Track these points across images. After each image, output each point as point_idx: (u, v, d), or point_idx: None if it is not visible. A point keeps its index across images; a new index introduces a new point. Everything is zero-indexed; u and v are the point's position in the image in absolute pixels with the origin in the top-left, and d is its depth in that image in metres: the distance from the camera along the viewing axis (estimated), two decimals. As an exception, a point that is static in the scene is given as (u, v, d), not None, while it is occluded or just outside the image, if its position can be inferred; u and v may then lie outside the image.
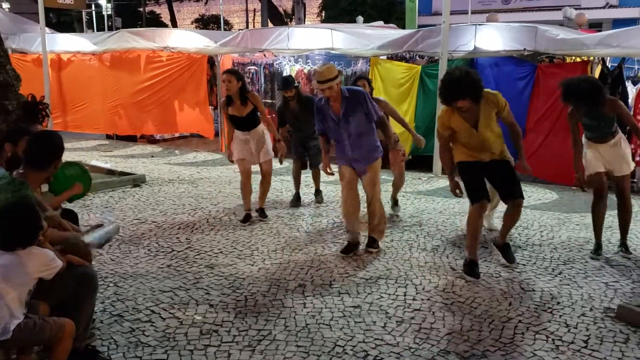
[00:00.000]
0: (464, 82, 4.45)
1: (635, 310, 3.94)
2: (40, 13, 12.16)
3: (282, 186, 8.07)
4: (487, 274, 4.83)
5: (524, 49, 8.20)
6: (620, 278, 4.75)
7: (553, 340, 3.73)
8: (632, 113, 7.56)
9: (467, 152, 4.82)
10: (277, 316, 4.07)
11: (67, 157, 4.19)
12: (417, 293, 4.47)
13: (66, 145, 3.85)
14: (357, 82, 6.20)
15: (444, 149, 4.93)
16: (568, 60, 8.68)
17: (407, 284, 4.64)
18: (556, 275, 4.81)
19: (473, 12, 15.93)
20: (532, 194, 7.77)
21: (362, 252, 5.37)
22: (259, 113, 6.35)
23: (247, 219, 6.37)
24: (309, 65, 10.94)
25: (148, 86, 11.80)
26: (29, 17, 15.24)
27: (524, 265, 5.05)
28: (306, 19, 28.15)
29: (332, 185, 7.84)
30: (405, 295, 4.42)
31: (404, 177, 6.65)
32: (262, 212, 6.56)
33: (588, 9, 17.51)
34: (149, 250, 5.51)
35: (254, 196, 6.62)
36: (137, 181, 8.40)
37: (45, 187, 4.20)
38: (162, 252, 5.45)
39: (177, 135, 12.99)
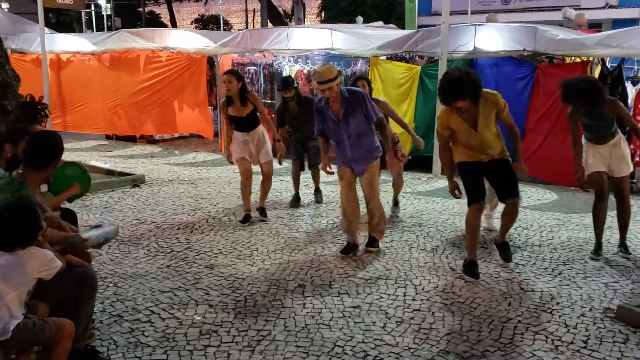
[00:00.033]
0: (463, 82, 4.45)
1: (635, 310, 3.94)
2: (40, 13, 12.16)
3: (281, 187, 8.07)
4: (487, 274, 4.83)
5: (524, 50, 8.20)
6: (620, 278, 4.76)
7: (552, 340, 3.73)
8: (631, 113, 7.57)
9: (467, 153, 4.82)
10: (277, 316, 4.07)
11: (66, 157, 4.19)
12: (416, 293, 4.47)
13: (66, 145, 3.85)
14: (357, 83, 6.20)
15: (444, 149, 4.93)
16: (568, 60, 8.69)
17: (407, 285, 4.64)
18: (556, 276, 4.81)
19: (473, 13, 15.94)
20: (532, 194, 7.77)
21: (362, 252, 5.38)
22: (258, 113, 6.35)
23: (246, 219, 6.37)
24: (308, 66, 10.94)
25: (147, 86, 11.80)
26: (28, 17, 15.24)
27: (523, 265, 5.05)
28: (306, 19, 28.16)
29: (332, 185, 7.85)
30: (404, 296, 4.42)
31: (402, 176, 6.65)
32: (262, 212, 6.56)
33: (588, 9, 17.52)
34: (148, 250, 5.50)
35: (254, 197, 6.62)
36: (137, 181, 8.39)
37: (44, 187, 4.20)
38: (162, 252, 5.45)
39: (176, 135, 12.98)
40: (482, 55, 8.67)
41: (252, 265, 5.08)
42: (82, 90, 12.68)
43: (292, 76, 9.58)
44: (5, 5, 26.38)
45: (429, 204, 7.26)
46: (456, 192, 4.89)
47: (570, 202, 7.29)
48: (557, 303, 4.28)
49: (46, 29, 12.85)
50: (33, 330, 2.94)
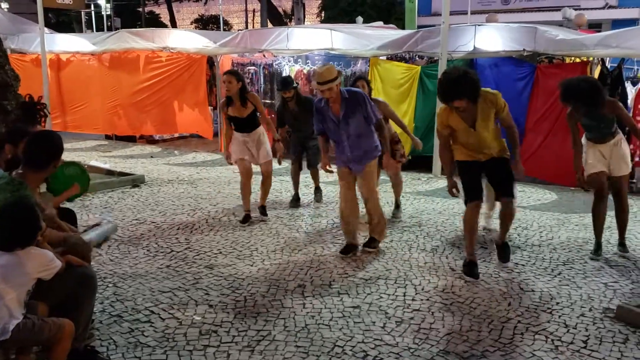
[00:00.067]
0: (460, 82, 4.45)
1: (635, 310, 3.94)
2: (39, 13, 12.16)
3: (281, 187, 8.07)
4: (487, 274, 4.83)
5: (524, 50, 8.21)
6: (620, 278, 4.76)
7: (552, 340, 3.73)
8: (631, 113, 7.58)
9: (466, 152, 4.83)
10: (277, 316, 4.07)
11: (66, 157, 4.19)
12: (416, 293, 4.47)
13: (65, 145, 3.84)
14: (356, 83, 6.20)
15: (444, 148, 4.94)
16: (567, 60, 8.69)
17: (407, 285, 4.64)
18: (555, 276, 4.81)
19: (472, 13, 15.94)
20: (532, 194, 7.77)
21: (361, 252, 5.37)
22: (258, 114, 6.35)
23: (246, 219, 6.37)
24: (308, 66, 10.94)
25: (147, 86, 11.81)
26: (28, 17, 15.24)
27: (523, 265, 5.05)
28: (306, 20, 28.16)
29: (332, 185, 7.85)
30: (404, 296, 4.42)
31: (399, 176, 6.61)
32: (263, 210, 6.57)
33: (587, 9, 17.53)
34: (148, 250, 5.50)
35: (254, 197, 6.62)
36: (136, 181, 8.39)
37: (43, 187, 4.20)
38: (161, 252, 5.45)
39: (176, 135, 12.99)
40: (481, 56, 8.68)
41: (251, 266, 5.08)
42: (81, 90, 12.68)
43: (292, 76, 9.59)
44: (4, 5, 26.36)
45: (429, 204, 7.25)
46: (454, 190, 4.90)
47: (569, 202, 7.29)
48: (557, 303, 4.28)
49: (46, 29, 12.84)
50: (32, 330, 2.94)
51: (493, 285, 4.62)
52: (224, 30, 27.13)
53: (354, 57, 10.06)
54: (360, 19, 15.85)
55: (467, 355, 3.56)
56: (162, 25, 33.95)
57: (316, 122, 5.35)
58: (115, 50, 12.00)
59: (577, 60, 8.41)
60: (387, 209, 6.69)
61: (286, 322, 3.99)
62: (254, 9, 35.42)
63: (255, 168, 6.52)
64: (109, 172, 8.89)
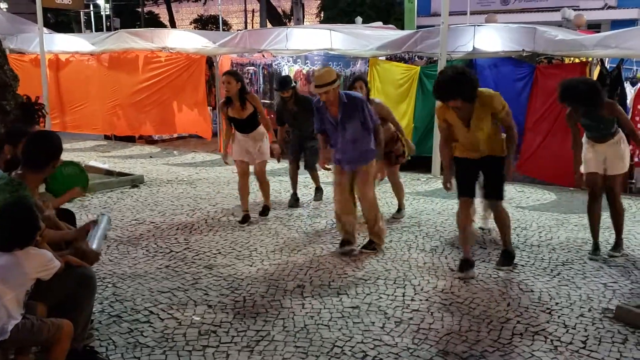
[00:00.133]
0: (455, 82, 4.47)
1: (634, 311, 3.95)
2: (38, 13, 12.14)
3: (280, 187, 8.06)
4: (486, 274, 4.84)
5: (523, 50, 8.21)
6: (619, 279, 4.76)
7: (551, 340, 3.73)
8: (630, 114, 7.58)
9: (462, 148, 4.89)
10: (276, 317, 4.07)
11: (65, 157, 4.18)
12: (415, 294, 4.47)
13: (64, 145, 3.84)
14: (354, 84, 6.17)
15: (444, 141, 4.98)
16: (567, 61, 8.69)
17: (406, 285, 4.63)
18: (555, 276, 4.81)
19: (472, 13, 15.91)
20: (531, 194, 7.77)
21: (358, 252, 5.37)
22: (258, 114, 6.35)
23: (245, 219, 6.37)
24: (307, 66, 10.94)
25: (146, 87, 11.80)
26: (27, 17, 15.23)
27: (522, 266, 5.05)
28: (305, 20, 28.15)
29: (332, 186, 7.82)
30: (404, 296, 4.42)
31: (397, 178, 6.58)
32: (264, 211, 6.58)
33: (587, 10, 17.54)
34: (147, 251, 5.50)
35: (253, 197, 6.61)
36: (136, 182, 8.39)
37: (42, 188, 4.19)
38: (161, 252, 5.44)
39: (175, 135, 12.97)
40: (481, 56, 8.68)
41: (251, 266, 5.08)
42: (80, 90, 12.67)
43: (292, 76, 9.58)
44: (3, 5, 26.36)
45: (428, 204, 7.25)
46: (448, 185, 4.95)
47: (569, 203, 7.29)
48: (556, 303, 4.29)
49: (45, 29, 12.84)
50: (31, 330, 2.94)
51: (492, 285, 4.62)
52: (223, 30, 27.16)
53: (353, 57, 10.06)
54: (359, 19, 15.86)
55: (466, 355, 3.56)
56: (161, 26, 33.94)
57: (316, 120, 5.38)
58: (115, 51, 11.99)
59: (577, 60, 8.41)
60: (386, 210, 6.70)
61: (285, 322, 3.99)
62: (253, 9, 35.41)
63: (252, 168, 6.52)
64: (108, 173, 8.89)
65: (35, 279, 3.03)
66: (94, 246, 3.50)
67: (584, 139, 5.25)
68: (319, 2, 29.61)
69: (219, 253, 5.42)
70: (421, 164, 9.11)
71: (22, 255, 2.95)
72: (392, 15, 22.22)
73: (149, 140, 12.70)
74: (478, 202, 5.31)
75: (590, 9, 18.56)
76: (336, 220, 5.54)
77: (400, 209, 6.66)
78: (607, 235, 5.61)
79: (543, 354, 3.57)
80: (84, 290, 3.31)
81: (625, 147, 5.19)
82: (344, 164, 5.30)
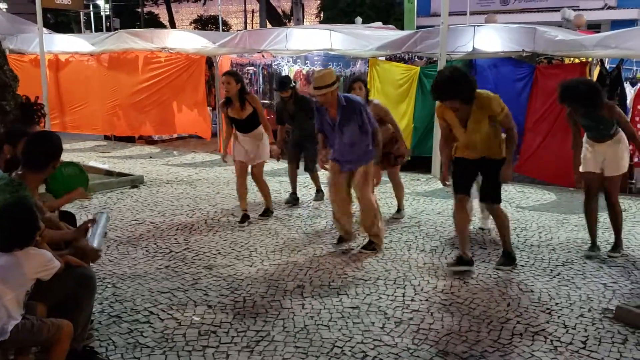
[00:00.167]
0: (452, 82, 4.48)
1: (634, 311, 3.95)
2: (38, 13, 12.13)
3: (280, 187, 8.06)
4: (486, 274, 4.84)
5: (523, 50, 8.20)
6: (619, 279, 4.76)
7: (551, 341, 3.73)
8: (630, 114, 7.58)
9: (461, 148, 4.92)
10: (276, 317, 4.07)
11: (65, 158, 4.18)
12: (415, 294, 4.47)
13: (64, 146, 3.84)
14: (353, 85, 6.16)
15: (444, 140, 5.01)
16: (567, 61, 8.69)
17: (406, 285, 4.63)
18: (554, 276, 4.81)
19: (472, 13, 15.93)
20: (531, 195, 7.77)
21: (356, 252, 5.38)
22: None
23: (244, 219, 6.37)
24: (307, 66, 10.94)
25: (146, 87, 11.79)
26: (27, 18, 15.22)
27: (522, 266, 5.05)
28: (305, 20, 28.14)
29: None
30: (403, 296, 4.42)
31: (398, 178, 6.59)
32: (265, 212, 6.57)
33: (586, 10, 17.55)
34: (147, 251, 5.50)
35: (252, 197, 6.61)
36: (135, 182, 8.38)
37: (42, 188, 4.19)
38: (161, 253, 5.44)
39: (175, 136, 12.98)
40: (481, 56, 8.68)
41: (250, 266, 5.08)
42: (80, 90, 12.66)
43: (291, 77, 9.58)
44: (3, 6, 26.36)
45: (428, 204, 7.25)
46: (446, 182, 5.01)
47: (568, 203, 7.29)
48: (556, 304, 4.28)
49: (44, 30, 12.83)
50: (31, 330, 2.94)
51: (492, 285, 4.62)
52: (223, 30, 27.16)
53: (353, 57, 10.06)
54: (359, 19, 15.84)
55: (466, 355, 3.56)
56: (161, 26, 33.93)
57: (316, 120, 5.41)
58: (114, 51, 11.98)
59: (576, 60, 8.41)
60: (386, 210, 6.70)
61: (285, 322, 3.99)
62: (252, 10, 35.39)
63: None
64: (108, 173, 8.89)
65: (35, 279, 3.03)
66: (95, 244, 3.51)
67: (584, 139, 5.26)
68: (318, 2, 29.60)
69: (219, 253, 5.42)
70: (421, 164, 9.11)
71: (22, 256, 2.95)
72: (392, 16, 22.22)
73: (149, 141, 12.70)
74: (477, 203, 5.32)
75: (590, 9, 18.56)
76: (334, 220, 5.56)
77: (400, 209, 6.66)
78: (607, 236, 5.61)
79: (543, 354, 3.57)
80: (83, 291, 3.31)
81: (625, 147, 5.19)
82: (343, 165, 5.31)
